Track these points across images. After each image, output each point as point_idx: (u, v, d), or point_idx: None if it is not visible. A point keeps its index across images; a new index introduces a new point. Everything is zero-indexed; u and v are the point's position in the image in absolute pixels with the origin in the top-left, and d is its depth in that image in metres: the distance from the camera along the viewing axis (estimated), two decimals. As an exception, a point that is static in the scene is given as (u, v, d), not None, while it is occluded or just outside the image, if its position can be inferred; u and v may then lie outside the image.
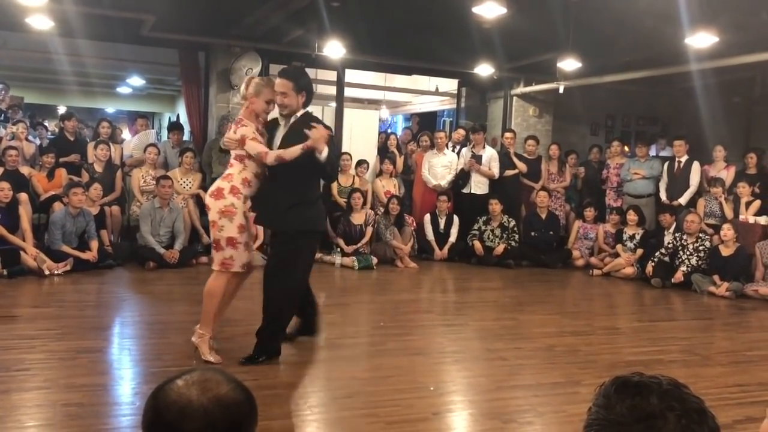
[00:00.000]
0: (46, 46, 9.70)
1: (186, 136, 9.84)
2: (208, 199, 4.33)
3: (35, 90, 16.34)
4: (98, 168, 8.36)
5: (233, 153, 4.38)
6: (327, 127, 4.31)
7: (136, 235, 7.96)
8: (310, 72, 10.08)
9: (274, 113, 4.50)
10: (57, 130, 10.93)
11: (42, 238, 7.46)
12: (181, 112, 13.42)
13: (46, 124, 13.18)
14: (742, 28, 7.02)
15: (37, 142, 9.48)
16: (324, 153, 4.12)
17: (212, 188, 4.38)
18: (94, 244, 7.32)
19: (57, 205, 7.57)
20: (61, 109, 16.78)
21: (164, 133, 13.94)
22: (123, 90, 16.58)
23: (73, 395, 3.62)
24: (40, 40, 9.18)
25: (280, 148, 4.28)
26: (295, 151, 4.15)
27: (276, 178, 4.37)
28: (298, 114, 4.36)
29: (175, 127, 9.78)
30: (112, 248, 7.70)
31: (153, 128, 14.61)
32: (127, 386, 3.97)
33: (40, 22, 7.47)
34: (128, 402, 3.67)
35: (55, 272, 6.84)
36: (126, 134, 14.88)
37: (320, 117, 10.68)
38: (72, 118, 9.01)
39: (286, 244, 4.37)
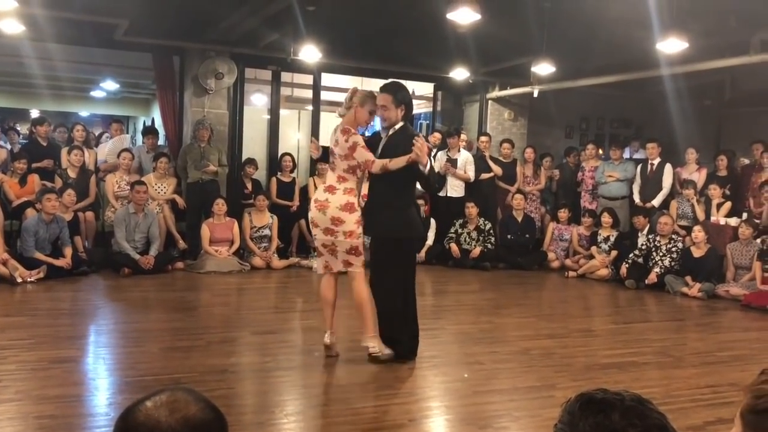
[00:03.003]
0: (18, 50, 9.56)
1: (161, 141, 9.77)
2: (340, 213, 4.50)
3: (6, 94, 16.11)
4: (72, 173, 8.27)
5: (346, 164, 4.54)
6: (426, 141, 4.55)
7: (110, 241, 7.89)
8: (286, 76, 10.18)
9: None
10: (28, 133, 10.77)
11: (14, 245, 7.36)
12: (156, 116, 13.30)
13: (18, 128, 12.97)
14: (711, 34, 7.13)
15: (8, 147, 9.33)
16: (427, 165, 4.42)
17: (341, 202, 4.52)
18: (68, 251, 7.24)
19: (29, 212, 7.46)
20: (34, 113, 16.55)
21: (139, 138, 13.81)
22: (97, 94, 16.40)
23: (46, 407, 3.57)
24: (11, 44, 9.05)
25: (381, 158, 4.51)
26: (400, 161, 4.38)
27: (372, 188, 4.68)
28: (396, 127, 4.58)
29: (149, 131, 9.69)
30: (86, 254, 7.63)
31: (128, 132, 14.47)
32: (101, 397, 3.93)
33: (11, 27, 7.36)
34: (103, 413, 3.63)
35: (28, 280, 6.75)
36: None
37: (297, 121, 10.74)
38: (44, 123, 8.89)
39: (378, 251, 4.63)
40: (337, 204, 4.51)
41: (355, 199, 4.57)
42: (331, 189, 4.58)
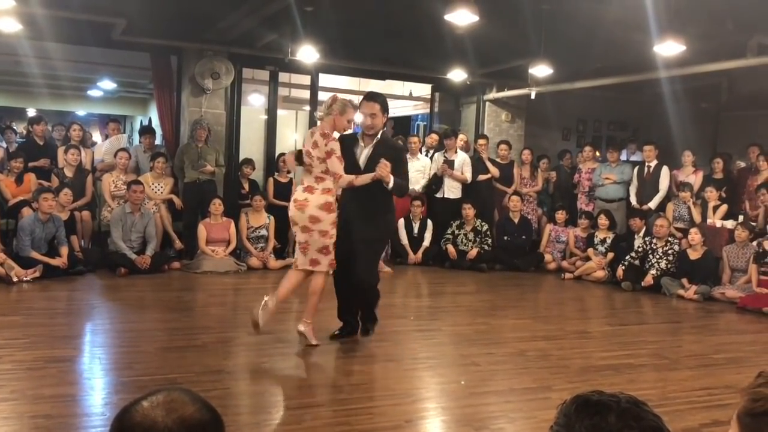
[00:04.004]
0: (15, 49, 9.54)
1: (158, 140, 9.75)
2: (318, 212, 4.78)
3: (3, 93, 16.07)
4: (68, 173, 8.26)
5: (324, 167, 4.78)
6: (402, 149, 5.22)
7: (107, 241, 7.88)
8: (284, 76, 10.18)
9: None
10: (25, 132, 10.75)
11: (10, 244, 7.34)
12: (153, 116, 13.28)
13: (15, 127, 12.93)
14: (708, 37, 7.15)
15: (4, 146, 9.32)
16: (390, 184, 4.76)
17: (320, 201, 4.79)
18: (64, 250, 7.22)
19: (26, 211, 7.45)
20: (31, 112, 16.51)
21: (136, 137, 13.78)
22: (94, 93, 16.36)
23: (42, 407, 3.56)
24: (9, 43, 9.03)
25: (366, 166, 4.87)
26: (364, 179, 4.77)
27: (355, 194, 4.93)
28: (379, 136, 4.94)
29: (146, 131, 9.68)
30: (82, 254, 7.60)
31: (125, 132, 14.45)
32: (97, 396, 3.92)
33: (9, 25, 7.34)
34: (98, 413, 3.62)
35: (24, 279, 6.74)
36: (96, 137, 14.68)
37: (294, 121, 10.73)
38: (41, 122, 8.87)
39: (368, 251, 4.97)
40: (316, 203, 4.77)
41: (332, 199, 4.84)
42: (310, 189, 4.83)
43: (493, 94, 10.81)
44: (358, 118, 5.26)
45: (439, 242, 9.16)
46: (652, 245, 8.13)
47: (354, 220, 4.94)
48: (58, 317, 5.72)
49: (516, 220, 9.33)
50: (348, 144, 4.97)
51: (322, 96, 10.41)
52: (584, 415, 1.14)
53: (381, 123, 4.91)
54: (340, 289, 5.18)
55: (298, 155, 5.05)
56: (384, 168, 4.70)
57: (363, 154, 4.93)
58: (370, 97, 4.98)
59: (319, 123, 4.99)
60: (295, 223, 4.86)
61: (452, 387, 4.32)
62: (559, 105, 10.66)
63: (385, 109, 4.94)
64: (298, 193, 4.90)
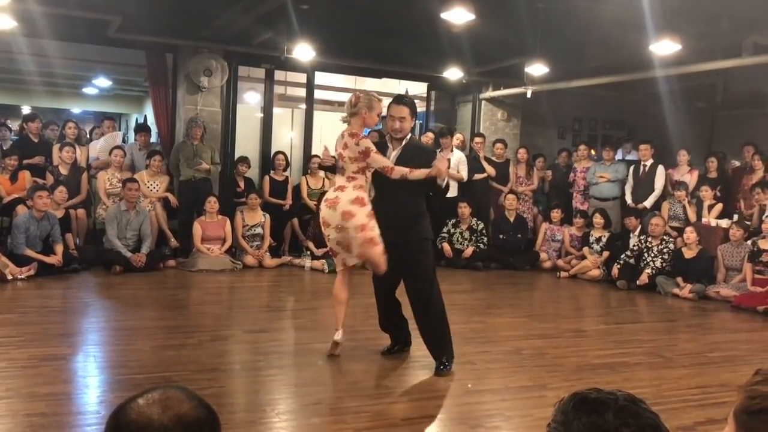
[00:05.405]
0: (9, 46, 9.51)
1: (153, 138, 9.73)
2: (350, 207, 4.54)
3: (-3, 90, 16.01)
4: (63, 170, 8.24)
5: (356, 167, 4.60)
6: (433, 150, 4.96)
7: (102, 239, 7.86)
8: (280, 74, 10.17)
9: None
10: (19, 130, 10.69)
11: (5, 242, 7.33)
12: (149, 114, 13.24)
13: (9, 124, 12.88)
14: (703, 37, 7.17)
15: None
16: (445, 181, 4.61)
17: (351, 197, 4.57)
18: (59, 248, 7.21)
19: (20, 208, 7.43)
20: (26, 110, 16.44)
21: (131, 135, 13.74)
22: (89, 90, 16.30)
23: (36, 405, 3.55)
24: (4, 40, 8.99)
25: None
26: (420, 173, 4.52)
27: (391, 195, 4.69)
28: (408, 137, 4.77)
29: (142, 128, 9.67)
30: (77, 252, 7.59)
31: (120, 130, 14.41)
32: (92, 395, 3.91)
33: (4, 22, 7.31)
34: (93, 411, 3.61)
35: (19, 277, 6.72)
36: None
37: (290, 119, 10.71)
38: (35, 119, 8.84)
39: (420, 252, 4.77)
40: (347, 199, 4.55)
41: (365, 194, 4.63)
42: (341, 188, 4.63)
43: (489, 93, 10.81)
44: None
45: (434, 240, 9.14)
46: (648, 244, 8.14)
47: (390, 228, 4.66)
48: (53, 315, 5.71)
49: (511, 219, 9.34)
50: (380, 149, 4.82)
51: (318, 94, 10.42)
52: (582, 413, 1.14)
53: (410, 127, 4.73)
54: (380, 297, 4.93)
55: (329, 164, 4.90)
56: (442, 164, 4.49)
57: (392, 156, 4.75)
58: (400, 100, 4.77)
59: (346, 124, 4.78)
60: (328, 224, 4.58)
61: (448, 385, 4.32)
62: (555, 104, 10.67)
63: (414, 112, 4.78)
64: (329, 193, 4.71)
